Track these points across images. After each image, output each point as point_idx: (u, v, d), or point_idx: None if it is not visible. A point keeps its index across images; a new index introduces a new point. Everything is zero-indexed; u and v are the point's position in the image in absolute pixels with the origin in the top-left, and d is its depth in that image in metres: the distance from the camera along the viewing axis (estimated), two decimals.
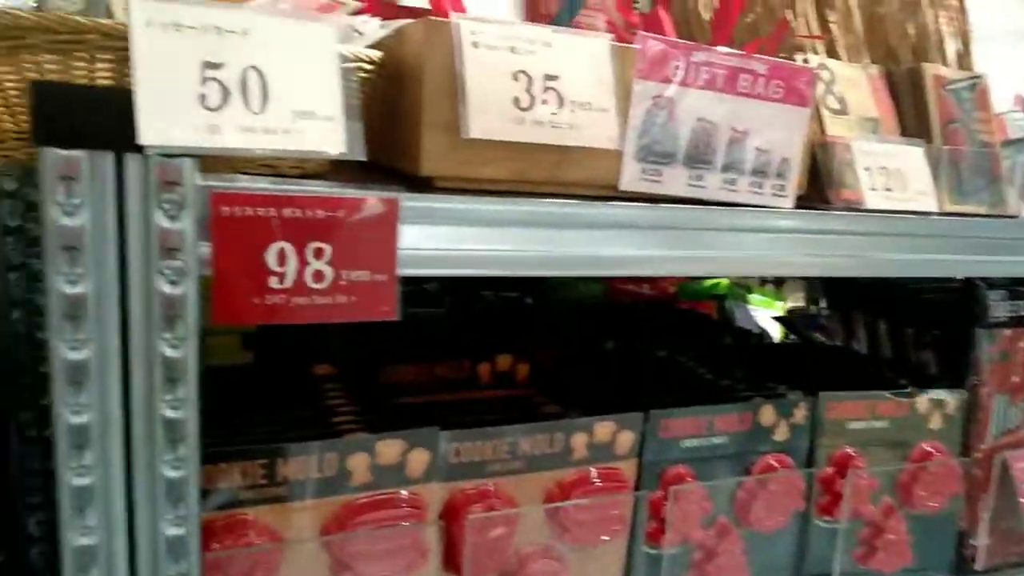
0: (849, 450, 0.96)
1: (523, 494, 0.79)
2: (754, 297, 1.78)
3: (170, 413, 0.59)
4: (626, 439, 0.83)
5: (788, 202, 0.79)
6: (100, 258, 0.54)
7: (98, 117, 0.52)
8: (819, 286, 1.51)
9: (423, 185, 0.67)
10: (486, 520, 0.75)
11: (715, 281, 1.87)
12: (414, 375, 0.98)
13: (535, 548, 0.80)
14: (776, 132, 0.77)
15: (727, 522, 0.90)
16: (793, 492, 0.92)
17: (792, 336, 1.46)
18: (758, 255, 0.78)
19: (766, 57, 0.76)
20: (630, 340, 1.20)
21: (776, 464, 0.92)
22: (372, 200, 0.61)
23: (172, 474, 0.59)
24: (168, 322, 0.57)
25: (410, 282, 1.23)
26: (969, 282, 1.04)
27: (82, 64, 0.54)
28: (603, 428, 0.81)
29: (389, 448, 0.71)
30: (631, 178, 0.73)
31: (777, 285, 2.03)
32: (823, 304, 1.47)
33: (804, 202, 0.82)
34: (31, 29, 0.51)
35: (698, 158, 0.75)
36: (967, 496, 1.04)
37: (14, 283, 1.01)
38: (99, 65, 0.54)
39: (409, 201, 0.63)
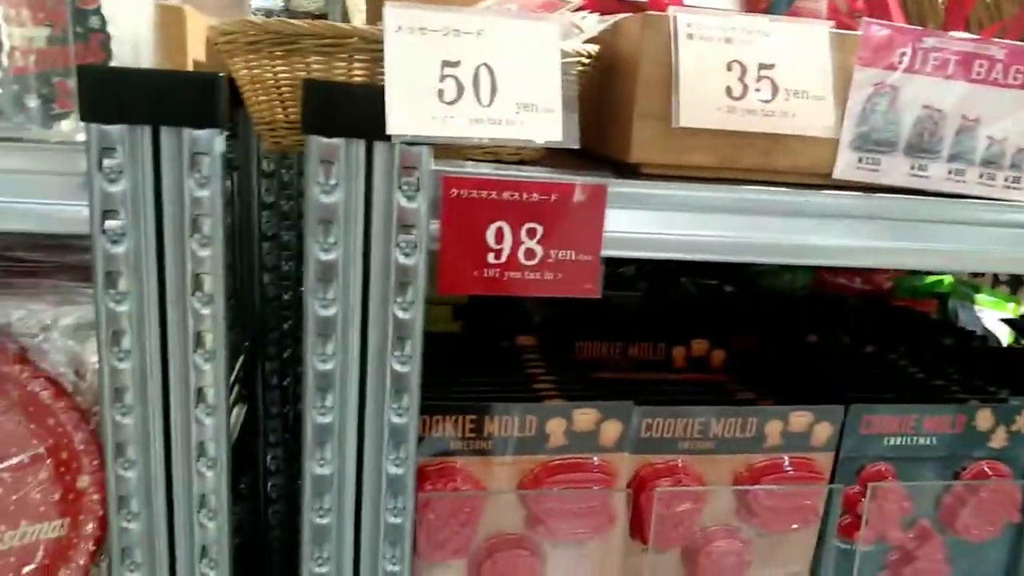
0: None
1: (711, 474, 0.81)
2: (982, 298, 1.63)
3: (398, 367, 0.67)
4: (823, 431, 0.82)
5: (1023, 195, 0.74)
6: (349, 231, 0.63)
7: (354, 110, 0.60)
8: None
9: (630, 172, 0.70)
10: (674, 494, 0.78)
11: (937, 278, 1.74)
12: (608, 353, 1.02)
13: (721, 528, 0.82)
14: (1012, 121, 0.72)
15: (929, 526, 0.86)
16: (1008, 503, 0.86)
17: (1023, 341, 1.34)
18: (984, 250, 0.74)
19: (1006, 41, 0.71)
20: (836, 333, 1.16)
21: (990, 472, 0.86)
22: (582, 185, 0.65)
23: (396, 420, 0.68)
24: (401, 288, 0.65)
25: (608, 265, 1.28)
26: None
27: (342, 64, 0.63)
28: (799, 418, 0.81)
29: (584, 416, 0.76)
30: (846, 166, 0.71)
31: (1012, 287, 1.85)
32: None
33: None
34: (304, 35, 0.60)
35: (921, 147, 0.72)
36: None
37: (267, 252, 1.17)
38: (356, 65, 0.63)
39: (617, 187, 0.66)
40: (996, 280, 1.67)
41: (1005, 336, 1.40)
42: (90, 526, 0.76)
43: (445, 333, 1.03)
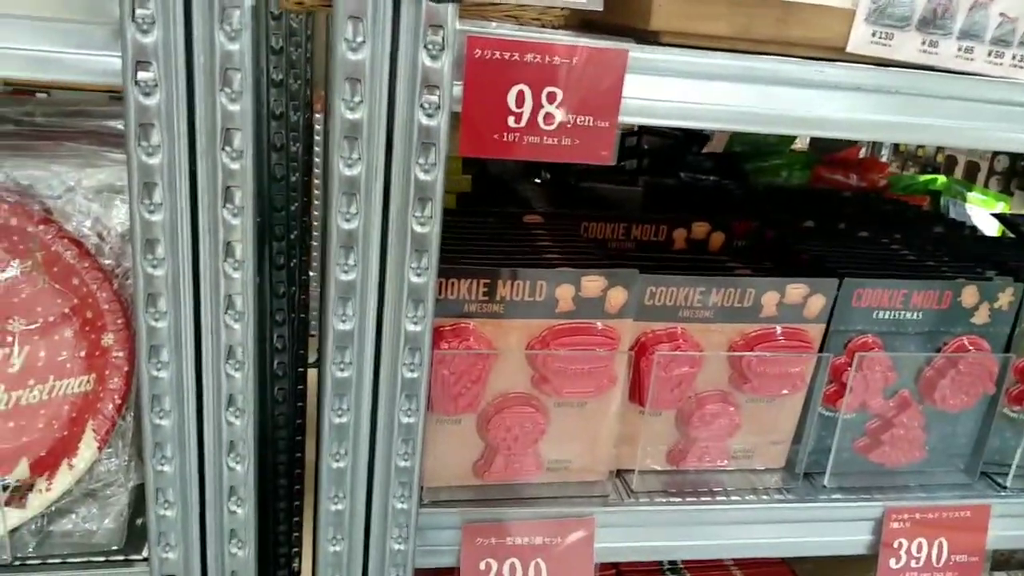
0: None
1: (708, 341, 0.85)
2: (973, 196, 1.67)
3: (418, 228, 0.69)
4: (817, 303, 0.86)
5: None
6: (375, 89, 0.64)
7: None
8: None
9: (648, 40, 0.71)
10: (672, 358, 0.83)
11: (932, 177, 1.78)
12: (612, 234, 1.05)
13: (714, 392, 0.87)
14: None
15: (909, 395, 0.92)
16: (984, 376, 0.92)
17: (1010, 235, 1.38)
18: (990, 127, 0.76)
19: None
20: (831, 221, 1.19)
21: (970, 346, 0.91)
22: (604, 49, 0.66)
23: (416, 280, 0.71)
24: (423, 149, 0.67)
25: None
26: None
27: None
28: (795, 290, 0.85)
29: (592, 283, 0.79)
30: (860, 40, 0.73)
31: (1004, 185, 1.89)
32: None
33: None
34: None
35: (934, 23, 0.73)
36: None
37: (275, 131, 1.17)
38: None
39: (637, 52, 0.67)
40: (989, 178, 1.70)
41: (994, 230, 1.44)
42: (116, 380, 0.79)
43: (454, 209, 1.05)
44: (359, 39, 0.62)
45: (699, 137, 1.79)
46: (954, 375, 0.91)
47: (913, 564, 0.92)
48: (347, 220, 0.68)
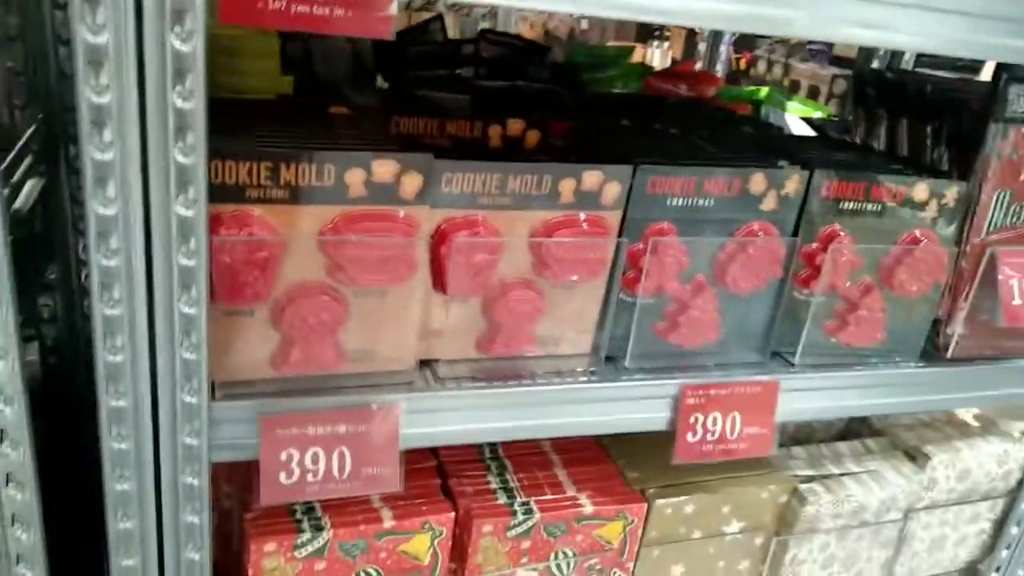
0: (837, 227, 1.00)
1: (509, 228, 0.86)
2: (793, 105, 1.75)
3: (180, 103, 0.65)
4: (613, 190, 0.88)
5: None
6: None
7: None
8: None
9: None
10: (471, 244, 0.83)
11: (756, 88, 1.85)
12: (425, 128, 1.03)
13: (517, 279, 0.88)
14: None
15: (704, 280, 0.96)
16: (772, 259, 0.97)
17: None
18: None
19: None
20: (649, 123, 1.22)
21: (760, 231, 0.96)
22: None
23: (182, 159, 0.67)
24: (177, 16, 0.63)
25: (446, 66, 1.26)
26: (996, 74, 1.02)
27: None
28: (591, 177, 0.86)
29: (383, 167, 0.77)
30: None
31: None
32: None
33: None
34: None
35: None
36: (952, 287, 1.09)
37: (60, 22, 1.07)
38: None
39: None
40: (828, 100, 1.79)
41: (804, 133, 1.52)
42: None
43: (259, 100, 1.01)
44: None
45: (540, 49, 1.78)
46: (744, 259, 0.96)
47: (709, 437, 0.98)
48: (98, 94, 0.63)
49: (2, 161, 0.87)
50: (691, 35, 4.86)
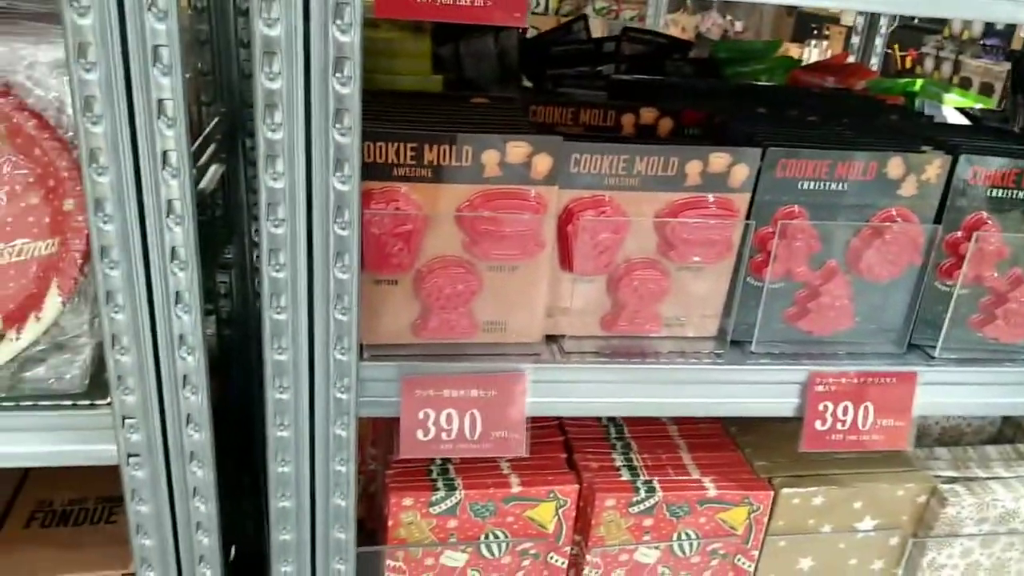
0: (984, 215, 0.96)
1: (635, 209, 0.89)
2: (951, 97, 1.66)
3: (339, 88, 0.74)
4: (741, 172, 0.89)
5: None
6: None
7: None
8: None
9: None
10: (597, 223, 0.87)
11: (911, 80, 1.76)
12: (560, 117, 1.08)
13: (642, 259, 0.92)
14: None
15: (836, 265, 0.95)
16: (910, 246, 0.95)
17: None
18: None
19: None
20: (786, 112, 1.21)
21: (897, 217, 0.94)
22: None
23: (340, 139, 0.76)
24: (338, 10, 0.71)
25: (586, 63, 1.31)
26: None
27: None
28: (718, 159, 0.88)
29: (517, 149, 0.83)
30: None
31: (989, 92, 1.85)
32: None
33: None
34: None
35: None
36: None
37: (242, 27, 1.21)
38: None
39: None
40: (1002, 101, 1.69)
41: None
42: (77, 242, 0.85)
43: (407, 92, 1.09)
44: None
45: (681, 45, 1.79)
46: (880, 245, 0.94)
47: (839, 427, 0.97)
48: (270, 79, 0.73)
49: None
50: (849, 36, 4.65)
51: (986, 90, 3.09)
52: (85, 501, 1.06)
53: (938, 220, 0.96)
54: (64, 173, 0.84)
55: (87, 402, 0.85)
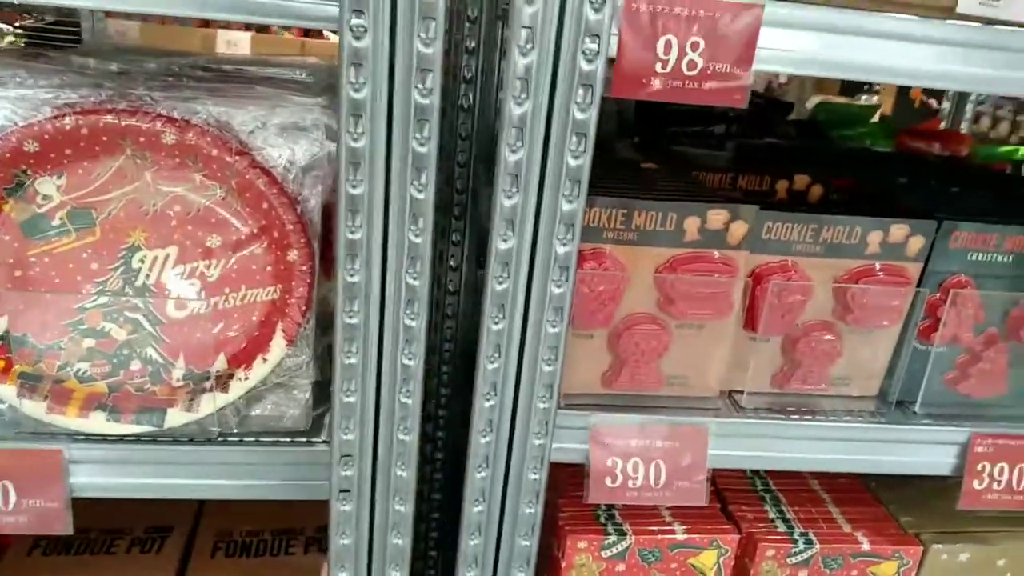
0: None
1: (817, 274, 0.95)
2: None
3: (572, 161, 0.80)
4: (916, 243, 0.95)
5: None
6: (546, 40, 0.75)
7: None
8: None
9: None
10: (784, 286, 0.93)
11: (1015, 147, 1.82)
12: (719, 182, 1.15)
13: (818, 322, 0.97)
14: None
15: (996, 333, 1.00)
16: None
17: None
18: None
19: None
20: (923, 180, 1.27)
21: None
22: (742, 4, 0.76)
23: (568, 206, 0.82)
24: (584, 91, 0.78)
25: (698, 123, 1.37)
26: None
27: None
28: (898, 230, 0.94)
29: (717, 216, 0.89)
30: (969, 2, 0.81)
31: None
32: None
33: None
34: None
35: None
36: None
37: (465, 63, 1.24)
38: None
39: (770, 6, 0.77)
40: None
41: None
42: (301, 290, 0.92)
43: None
44: None
45: (783, 106, 1.86)
46: None
47: (995, 487, 1.01)
48: (513, 152, 0.80)
49: None
50: (902, 90, 4.71)
51: None
52: (262, 533, 1.12)
53: None
54: (289, 226, 0.92)
55: (305, 439, 0.91)
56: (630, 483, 0.94)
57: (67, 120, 0.86)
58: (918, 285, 0.97)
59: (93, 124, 0.86)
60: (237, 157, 0.89)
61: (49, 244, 0.89)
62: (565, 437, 0.94)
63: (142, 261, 0.91)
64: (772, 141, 1.54)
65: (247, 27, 3.02)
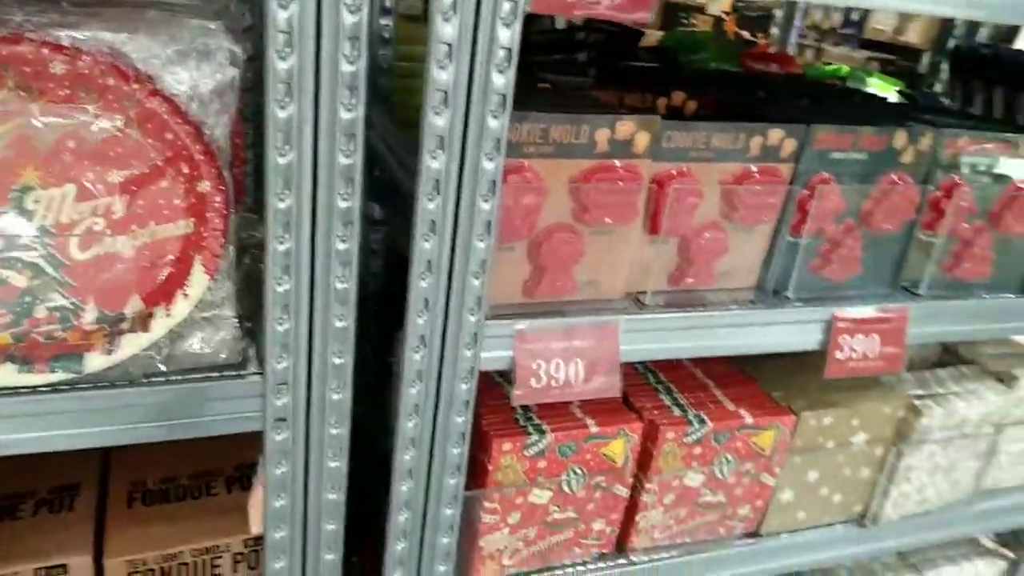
0: (956, 178, 1.18)
1: (708, 178, 1.04)
2: (873, 80, 1.93)
3: (497, 78, 0.83)
4: (790, 145, 1.06)
5: None
6: None
7: None
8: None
9: None
10: (684, 190, 1.01)
11: (838, 67, 2.03)
12: (608, 99, 1.21)
13: (709, 221, 1.06)
14: None
15: (852, 223, 1.14)
16: (908, 205, 1.15)
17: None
18: None
19: None
20: (776, 95, 1.40)
21: (899, 181, 1.14)
22: None
23: (493, 123, 0.85)
24: (508, 11, 0.80)
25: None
26: None
27: None
28: (775, 133, 1.04)
29: (624, 127, 0.95)
30: None
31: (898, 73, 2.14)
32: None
33: None
34: None
35: None
36: None
37: None
38: None
39: None
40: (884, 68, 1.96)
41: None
42: (216, 221, 0.89)
43: None
44: None
45: (634, 33, 1.95)
46: (886, 205, 1.14)
47: (853, 356, 1.17)
48: (441, 68, 0.81)
49: None
50: (717, 21, 5.01)
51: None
52: (178, 479, 1.09)
53: (925, 180, 1.18)
54: (198, 157, 0.88)
55: (234, 372, 0.90)
56: (552, 383, 1.00)
57: None
58: (791, 181, 1.09)
59: None
60: (136, 85, 0.83)
61: None
62: (491, 346, 0.98)
63: (36, 201, 0.84)
64: (634, 64, 1.61)
65: None
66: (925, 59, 1.91)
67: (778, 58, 1.90)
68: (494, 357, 0.99)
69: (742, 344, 1.12)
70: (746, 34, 4.21)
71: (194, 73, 0.87)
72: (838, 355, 1.16)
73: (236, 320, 0.91)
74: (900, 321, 1.19)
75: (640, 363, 1.32)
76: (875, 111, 1.26)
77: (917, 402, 1.33)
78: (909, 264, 1.22)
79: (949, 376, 1.43)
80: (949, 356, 1.53)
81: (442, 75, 0.81)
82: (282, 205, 0.82)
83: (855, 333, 1.16)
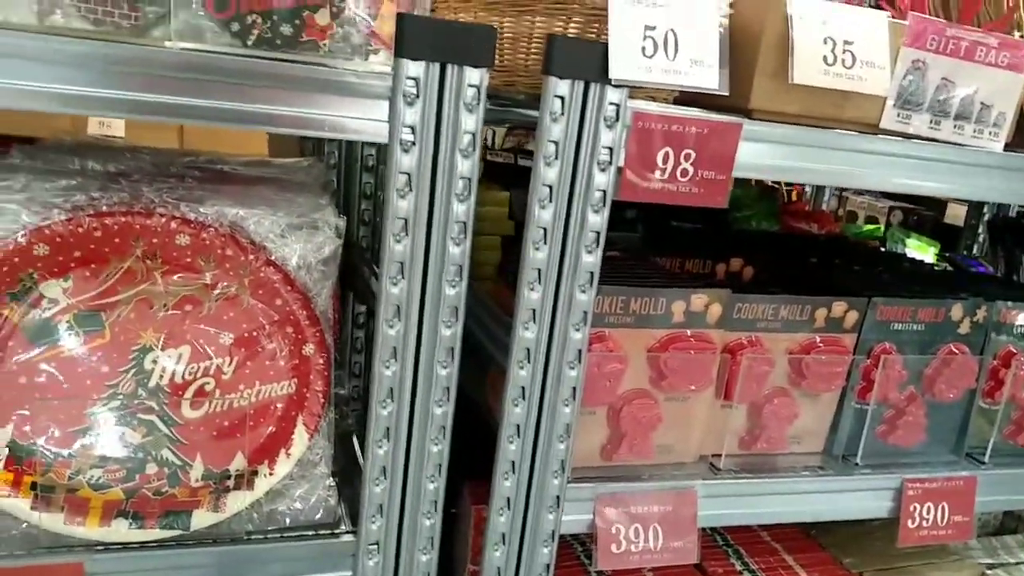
0: (1012, 348, 1.22)
1: (775, 347, 1.09)
2: (911, 241, 2.02)
3: (587, 258, 0.90)
4: (852, 316, 1.11)
5: (999, 145, 1.05)
6: (567, 153, 0.85)
7: (586, 58, 0.82)
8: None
9: (743, 115, 0.95)
10: (756, 359, 1.06)
11: (876, 227, 2.12)
12: (671, 266, 1.28)
13: (777, 388, 1.10)
14: (996, 90, 1.02)
15: (915, 391, 1.18)
16: (968, 374, 1.19)
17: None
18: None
19: (999, 34, 1.01)
20: (826, 259, 1.47)
21: (956, 351, 1.18)
22: (725, 122, 0.90)
23: (581, 296, 0.91)
24: (599, 196, 0.88)
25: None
26: None
27: (560, 23, 0.84)
28: (839, 306, 1.10)
29: (698, 299, 1.01)
30: (889, 120, 0.99)
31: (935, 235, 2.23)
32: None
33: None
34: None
35: (937, 109, 1.01)
36: None
37: None
38: (572, 24, 0.85)
39: (748, 125, 0.91)
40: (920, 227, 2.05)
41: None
42: (319, 383, 0.95)
43: None
44: (557, 111, 0.83)
45: None
46: (947, 374, 1.18)
47: (924, 524, 1.17)
48: (537, 250, 0.88)
49: None
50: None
51: (871, 222, 3.59)
52: None
53: (982, 351, 1.22)
54: (304, 322, 0.94)
55: (329, 531, 0.92)
56: (632, 547, 1.01)
57: (83, 222, 0.85)
58: (854, 350, 1.13)
59: (109, 226, 0.86)
60: (252, 256, 0.91)
61: (56, 349, 0.87)
62: (571, 509, 1.00)
63: (154, 362, 0.90)
64: (682, 225, 1.70)
65: None
66: (955, 215, 1.98)
67: (816, 217, 1.99)
68: (574, 520, 1.01)
69: (817, 511, 1.12)
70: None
71: (305, 244, 0.95)
72: (910, 523, 1.16)
73: (332, 479, 0.94)
74: (969, 489, 1.20)
75: None
76: (927, 281, 1.32)
77: (988, 572, 1.31)
78: (972, 431, 1.24)
79: (1017, 544, 1.41)
80: (1009, 519, 1.51)
81: (538, 255, 0.88)
82: (388, 372, 0.87)
83: (925, 501, 1.17)
